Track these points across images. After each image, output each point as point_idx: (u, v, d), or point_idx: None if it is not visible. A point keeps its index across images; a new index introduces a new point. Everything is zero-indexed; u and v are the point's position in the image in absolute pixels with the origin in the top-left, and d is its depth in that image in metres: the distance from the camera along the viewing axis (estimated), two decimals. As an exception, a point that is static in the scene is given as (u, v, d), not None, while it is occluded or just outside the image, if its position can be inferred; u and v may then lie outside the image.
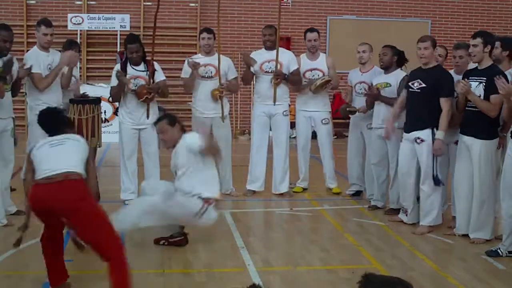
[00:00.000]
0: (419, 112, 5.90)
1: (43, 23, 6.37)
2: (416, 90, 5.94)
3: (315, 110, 7.42)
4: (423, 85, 5.88)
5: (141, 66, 6.70)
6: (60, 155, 4.11)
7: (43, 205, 3.98)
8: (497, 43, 5.71)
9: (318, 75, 7.30)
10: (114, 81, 6.70)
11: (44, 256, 4.29)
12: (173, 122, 5.35)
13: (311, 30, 7.50)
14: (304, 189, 7.65)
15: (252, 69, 7.30)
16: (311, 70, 7.34)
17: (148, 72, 6.66)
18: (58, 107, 4.90)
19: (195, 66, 6.95)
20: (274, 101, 7.21)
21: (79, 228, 4.01)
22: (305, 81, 7.33)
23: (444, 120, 5.77)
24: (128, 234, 5.72)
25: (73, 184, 3.96)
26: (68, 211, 3.90)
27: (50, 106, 4.92)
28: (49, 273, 4.26)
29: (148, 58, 6.79)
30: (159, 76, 6.77)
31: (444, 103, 5.78)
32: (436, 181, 5.85)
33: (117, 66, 6.84)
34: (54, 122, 4.43)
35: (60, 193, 3.91)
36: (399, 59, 6.67)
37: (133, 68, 6.68)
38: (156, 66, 6.80)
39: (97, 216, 3.94)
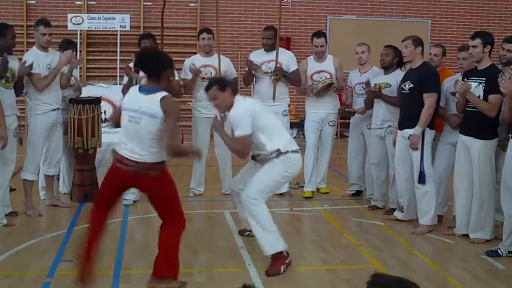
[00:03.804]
0: (410, 111, 5.95)
1: (42, 23, 6.39)
2: (407, 91, 5.99)
3: (325, 111, 7.35)
4: (411, 85, 5.96)
5: None
6: (133, 140, 4.20)
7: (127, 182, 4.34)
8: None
9: (326, 77, 7.26)
10: (126, 79, 6.74)
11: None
12: (222, 87, 4.96)
13: (318, 35, 7.34)
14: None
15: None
16: (318, 72, 7.30)
17: None
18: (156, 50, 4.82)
19: (196, 73, 6.97)
20: (274, 98, 7.19)
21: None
22: (313, 83, 7.28)
23: (424, 116, 5.82)
24: (128, 235, 5.74)
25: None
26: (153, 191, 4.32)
27: (149, 49, 4.93)
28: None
29: None
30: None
31: (426, 99, 5.84)
32: (422, 177, 5.87)
33: (130, 65, 6.86)
34: (154, 65, 4.33)
35: (137, 178, 4.24)
36: (399, 60, 6.69)
37: None
38: None
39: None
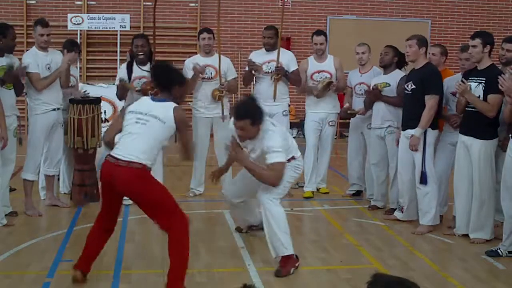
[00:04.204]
0: (412, 112, 5.94)
1: (39, 23, 6.40)
2: (409, 92, 5.99)
3: (325, 111, 7.36)
4: (414, 86, 5.94)
5: (147, 66, 6.71)
6: (134, 142, 4.23)
7: (110, 179, 4.24)
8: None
9: (326, 77, 7.27)
10: (118, 80, 6.76)
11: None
12: (255, 122, 4.76)
13: (318, 33, 7.39)
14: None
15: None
16: (318, 72, 7.30)
17: None
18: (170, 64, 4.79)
19: (200, 72, 6.97)
20: (274, 97, 7.19)
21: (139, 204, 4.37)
22: (313, 83, 7.29)
23: (425, 117, 5.81)
24: (128, 235, 5.74)
25: (133, 171, 4.19)
26: (129, 193, 4.31)
27: (164, 62, 4.93)
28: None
29: (157, 59, 6.83)
30: None
31: (427, 100, 5.83)
32: (423, 178, 5.86)
33: (123, 66, 6.91)
34: (164, 78, 4.45)
35: (123, 178, 4.20)
36: (399, 61, 6.68)
37: (139, 68, 6.71)
38: None
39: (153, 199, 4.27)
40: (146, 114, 4.28)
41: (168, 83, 4.41)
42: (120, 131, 4.43)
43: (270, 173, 4.73)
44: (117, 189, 4.25)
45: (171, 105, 4.32)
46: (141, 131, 4.24)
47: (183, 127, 4.33)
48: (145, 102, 4.42)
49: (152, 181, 4.30)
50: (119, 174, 4.17)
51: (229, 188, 5.63)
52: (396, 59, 6.67)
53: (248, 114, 4.74)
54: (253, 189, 5.12)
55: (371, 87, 6.75)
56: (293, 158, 5.04)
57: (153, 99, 4.44)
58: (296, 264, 4.86)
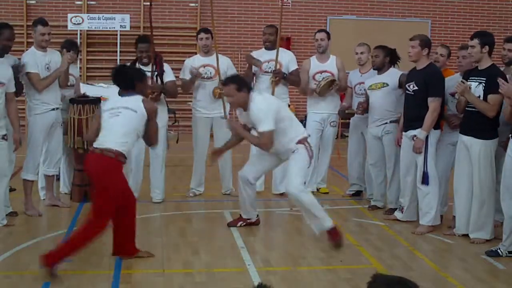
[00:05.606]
0: (414, 112, 5.92)
1: (40, 22, 6.39)
2: (411, 92, 5.97)
3: (326, 112, 7.36)
4: (416, 87, 5.92)
5: (149, 67, 6.71)
6: (110, 131, 4.67)
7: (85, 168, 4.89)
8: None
9: (328, 77, 7.27)
10: None
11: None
12: (240, 87, 5.45)
13: (320, 30, 7.50)
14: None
15: (253, 69, 7.29)
16: (320, 72, 7.29)
17: (156, 73, 6.72)
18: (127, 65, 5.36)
19: (196, 75, 6.98)
20: None
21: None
22: (314, 83, 7.28)
23: (428, 120, 5.79)
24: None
25: (104, 159, 4.64)
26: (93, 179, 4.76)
27: (121, 64, 5.47)
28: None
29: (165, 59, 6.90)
30: (168, 77, 6.81)
31: (430, 103, 5.81)
32: (425, 178, 5.86)
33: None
34: (123, 79, 4.86)
35: (93, 164, 4.70)
36: (391, 57, 6.68)
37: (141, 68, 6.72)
38: (166, 66, 6.84)
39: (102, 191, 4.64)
40: (118, 107, 4.71)
41: (130, 82, 4.82)
42: (99, 130, 4.80)
43: (260, 140, 5.47)
44: (88, 174, 4.78)
45: (139, 97, 4.77)
46: (115, 122, 4.66)
47: (153, 116, 4.80)
48: (115, 99, 4.83)
49: (113, 178, 4.66)
50: (91, 159, 4.68)
51: (246, 168, 5.89)
52: (388, 58, 6.66)
53: (231, 80, 5.55)
54: (269, 164, 5.89)
55: (366, 88, 6.76)
56: (304, 138, 5.54)
57: (121, 95, 4.81)
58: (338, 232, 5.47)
